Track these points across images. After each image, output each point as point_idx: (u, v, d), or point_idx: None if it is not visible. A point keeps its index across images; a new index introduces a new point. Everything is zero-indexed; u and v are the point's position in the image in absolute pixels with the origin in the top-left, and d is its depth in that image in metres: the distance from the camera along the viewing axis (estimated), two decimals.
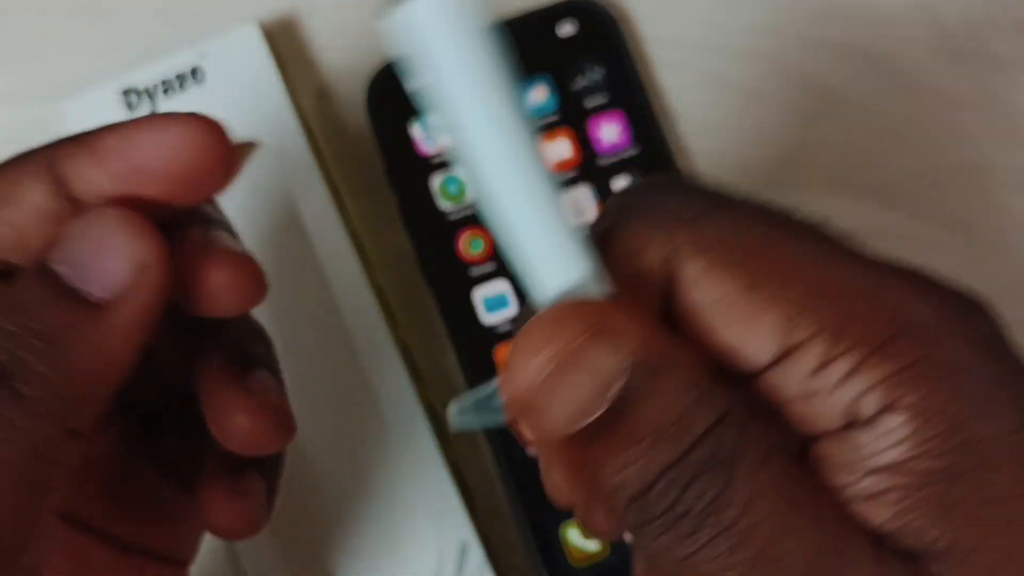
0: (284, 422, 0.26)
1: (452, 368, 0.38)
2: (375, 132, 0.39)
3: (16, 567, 0.21)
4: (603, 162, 0.39)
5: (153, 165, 0.23)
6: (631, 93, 0.40)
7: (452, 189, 0.39)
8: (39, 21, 0.41)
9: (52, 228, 0.23)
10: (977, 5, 0.41)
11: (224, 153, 0.23)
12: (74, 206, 0.23)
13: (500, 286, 0.38)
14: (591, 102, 0.40)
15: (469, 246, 0.38)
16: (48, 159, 0.23)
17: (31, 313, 0.21)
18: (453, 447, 0.37)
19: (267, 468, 0.28)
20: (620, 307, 0.20)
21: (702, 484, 0.19)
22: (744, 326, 0.20)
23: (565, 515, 0.37)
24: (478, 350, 0.38)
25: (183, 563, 0.29)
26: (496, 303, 0.38)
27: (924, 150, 0.41)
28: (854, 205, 0.40)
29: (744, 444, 0.19)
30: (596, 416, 0.19)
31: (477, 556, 0.35)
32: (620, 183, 0.39)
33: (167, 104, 0.38)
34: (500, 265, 0.38)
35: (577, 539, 0.37)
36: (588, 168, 0.39)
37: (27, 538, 0.21)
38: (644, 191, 0.22)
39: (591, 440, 0.19)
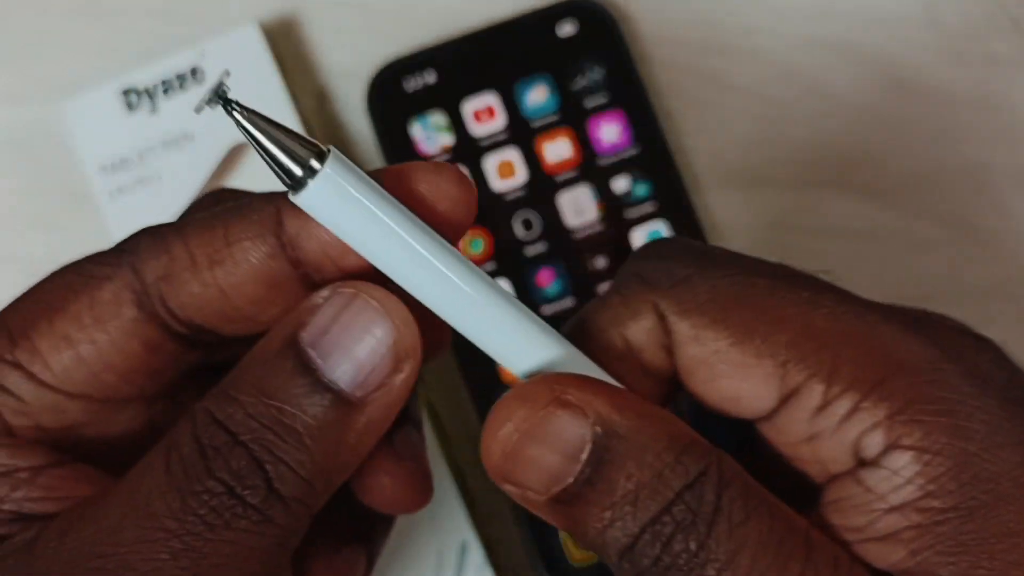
0: (427, 485, 0.25)
1: (452, 368, 0.38)
2: (375, 132, 0.39)
3: None
4: (603, 162, 0.39)
5: None
6: (631, 93, 0.40)
7: None
8: (39, 21, 0.41)
9: (263, 291, 0.21)
10: (977, 5, 0.41)
11: (473, 208, 0.22)
12: (295, 267, 0.21)
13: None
14: (591, 102, 0.40)
15: (469, 246, 0.38)
16: (274, 213, 0.21)
17: (283, 402, 0.20)
18: (453, 447, 0.37)
19: (376, 534, 0.27)
20: (582, 379, 0.21)
21: (683, 540, 0.19)
22: (740, 378, 0.21)
23: None
24: (478, 350, 0.37)
25: None
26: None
27: (924, 150, 0.41)
28: (854, 205, 0.40)
29: (724, 500, 0.19)
30: (572, 480, 0.20)
31: (477, 556, 0.35)
32: (620, 183, 0.39)
33: (167, 104, 0.38)
34: (500, 265, 0.38)
35: None
36: (588, 168, 0.39)
37: None
38: (627, 267, 0.23)
39: (573, 501, 0.20)
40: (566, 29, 0.40)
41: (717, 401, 0.22)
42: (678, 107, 0.41)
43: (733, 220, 0.40)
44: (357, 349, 0.20)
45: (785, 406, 0.21)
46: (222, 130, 0.39)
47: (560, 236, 0.39)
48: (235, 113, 0.19)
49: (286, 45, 0.41)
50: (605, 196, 0.39)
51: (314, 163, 0.19)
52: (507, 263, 0.38)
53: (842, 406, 0.20)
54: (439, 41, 0.40)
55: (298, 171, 0.19)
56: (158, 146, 0.38)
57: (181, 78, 0.38)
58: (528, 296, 0.38)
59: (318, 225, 0.21)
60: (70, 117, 0.39)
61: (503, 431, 0.20)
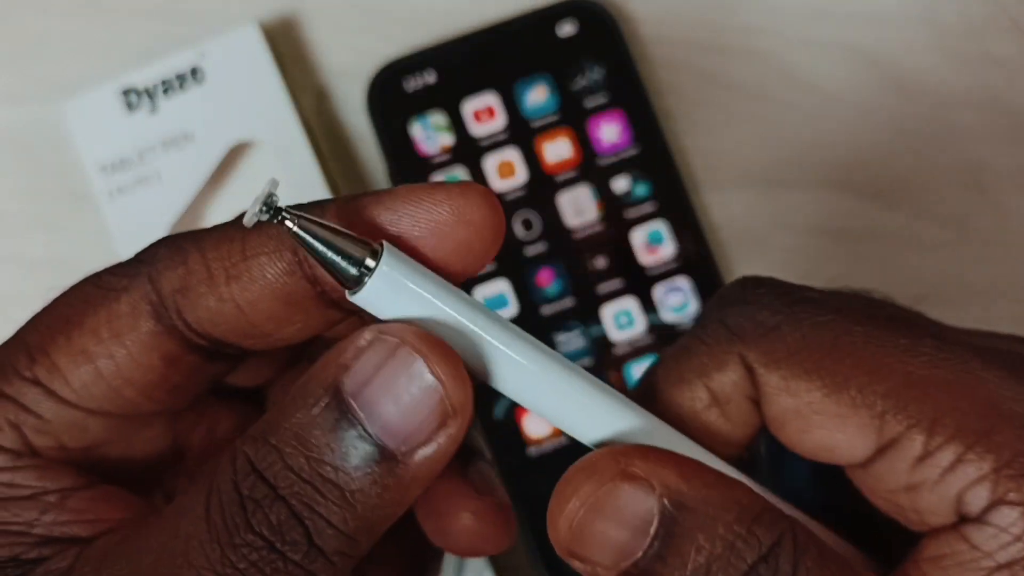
0: (510, 520, 0.24)
1: None
2: (375, 132, 0.39)
3: None
4: (603, 162, 0.39)
5: (423, 244, 0.20)
6: (631, 93, 0.40)
7: None
8: (39, 21, 0.41)
9: (280, 308, 0.21)
10: (977, 5, 0.41)
11: (501, 230, 0.21)
12: (312, 284, 0.21)
13: (500, 286, 0.38)
14: (591, 102, 0.40)
15: None
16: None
17: (323, 456, 0.19)
18: None
19: (429, 568, 0.26)
20: (647, 449, 0.20)
21: None
22: (835, 428, 0.21)
23: None
24: None
25: None
26: (496, 303, 0.38)
27: (924, 150, 0.41)
28: (854, 205, 0.40)
29: (801, 571, 0.19)
30: (640, 555, 0.19)
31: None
32: (620, 183, 0.39)
33: (167, 104, 0.38)
34: (500, 265, 0.38)
35: None
36: (588, 168, 0.39)
37: None
38: (711, 310, 0.22)
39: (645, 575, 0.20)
40: (566, 29, 0.40)
41: (810, 451, 0.21)
42: (678, 107, 0.41)
43: (733, 220, 0.40)
44: (401, 403, 0.19)
45: (882, 455, 0.21)
46: (222, 130, 0.39)
47: (560, 236, 0.39)
48: (287, 223, 0.19)
49: (286, 45, 0.41)
50: (605, 196, 0.39)
51: (369, 262, 0.19)
52: (507, 263, 0.38)
53: (944, 457, 0.20)
54: (439, 41, 0.40)
55: (354, 271, 0.19)
56: (158, 146, 0.38)
57: (181, 78, 0.38)
58: (528, 296, 0.38)
59: None
60: (70, 117, 0.38)
61: (569, 506, 0.20)
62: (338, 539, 0.19)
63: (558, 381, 0.20)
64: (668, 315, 0.38)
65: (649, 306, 0.38)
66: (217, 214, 0.39)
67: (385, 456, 0.19)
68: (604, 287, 0.38)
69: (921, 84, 0.41)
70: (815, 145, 0.41)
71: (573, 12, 0.40)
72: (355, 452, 0.19)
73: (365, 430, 0.19)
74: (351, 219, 0.20)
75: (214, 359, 0.22)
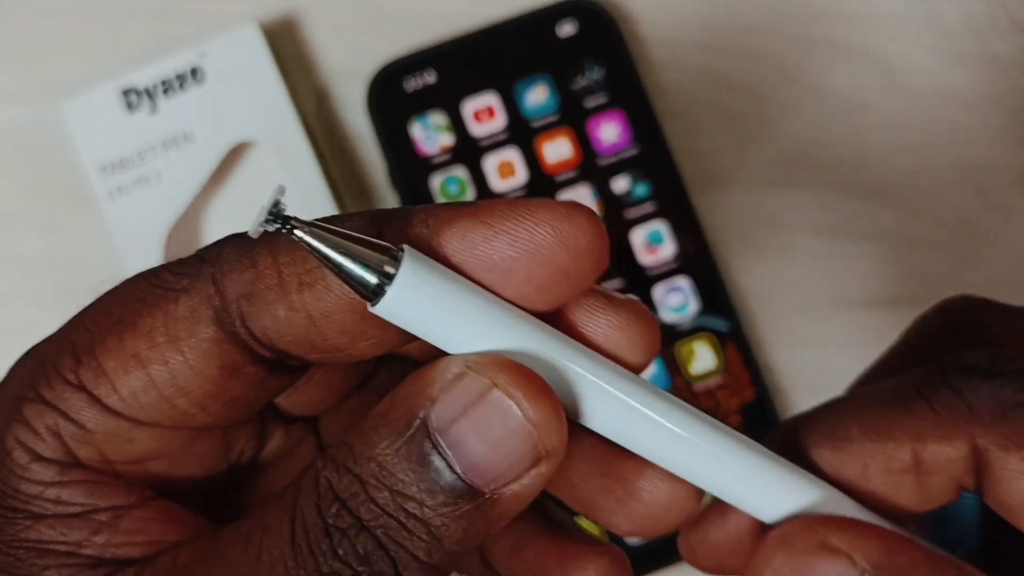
0: (626, 564, 0.23)
1: None
2: (375, 132, 0.39)
3: None
4: (603, 162, 0.39)
5: (517, 267, 0.19)
6: (631, 93, 0.40)
7: (452, 189, 0.39)
8: (39, 21, 0.41)
9: (357, 321, 0.19)
10: (977, 5, 0.41)
11: (604, 259, 0.19)
12: None
13: None
14: (591, 102, 0.40)
15: None
16: (376, 235, 0.19)
17: (408, 491, 0.18)
18: None
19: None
20: (847, 521, 0.19)
21: None
22: None
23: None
24: None
25: None
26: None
27: (924, 150, 0.41)
28: (854, 205, 0.40)
29: None
30: None
31: None
32: (620, 183, 0.39)
33: (167, 104, 0.38)
34: None
35: None
36: (588, 168, 0.39)
37: None
38: (946, 371, 0.21)
39: None
40: (566, 29, 0.40)
41: None
42: (678, 107, 0.41)
43: (733, 220, 0.40)
44: (491, 443, 0.18)
45: None
46: (222, 130, 0.39)
47: None
48: (297, 232, 0.18)
49: (286, 45, 0.41)
50: (605, 196, 0.39)
51: (388, 268, 0.18)
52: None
53: None
54: (439, 41, 0.40)
55: (373, 280, 0.18)
56: (158, 146, 0.38)
57: (181, 78, 0.38)
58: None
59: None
60: (70, 117, 0.38)
61: (767, 573, 0.19)
62: (424, 570, 0.18)
63: (674, 427, 0.19)
64: (668, 315, 0.38)
65: (649, 306, 0.38)
66: (217, 214, 0.39)
67: (472, 493, 0.18)
68: (604, 287, 0.38)
69: (921, 84, 0.41)
70: (815, 145, 0.41)
71: (573, 12, 0.40)
72: (441, 489, 0.18)
73: (452, 467, 0.18)
74: (436, 230, 0.19)
75: (276, 372, 0.20)
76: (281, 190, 0.18)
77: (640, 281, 0.38)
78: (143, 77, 0.38)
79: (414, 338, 0.19)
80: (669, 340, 0.38)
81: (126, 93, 0.38)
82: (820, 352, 0.39)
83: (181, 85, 0.38)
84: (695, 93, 0.41)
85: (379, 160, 0.39)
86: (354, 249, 0.18)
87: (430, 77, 0.39)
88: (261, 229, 0.18)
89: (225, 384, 0.19)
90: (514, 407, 0.18)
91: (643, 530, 0.22)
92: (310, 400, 0.23)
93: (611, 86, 0.40)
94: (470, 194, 0.39)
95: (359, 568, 0.18)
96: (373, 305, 0.18)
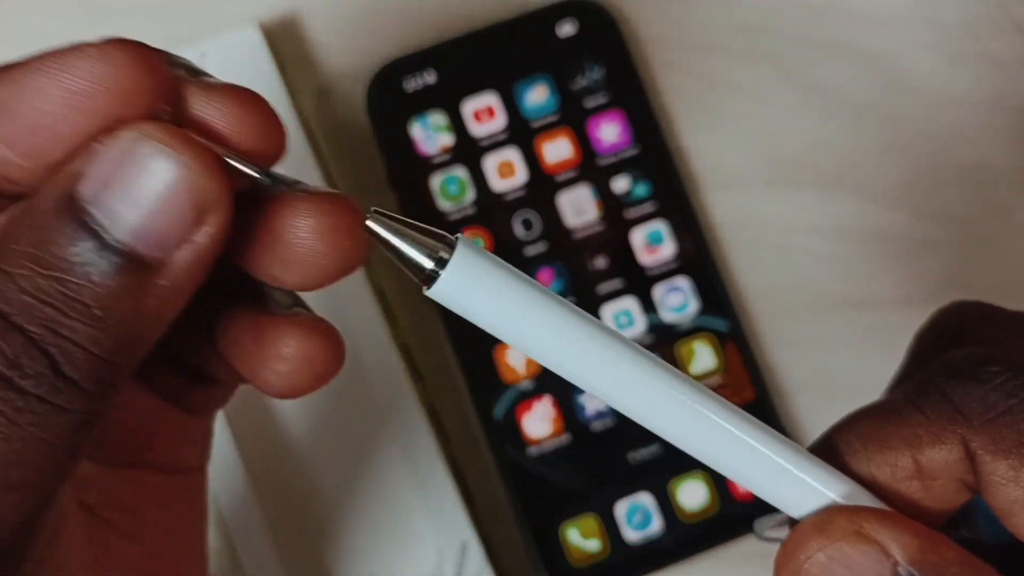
0: (337, 339, 0.22)
1: (452, 368, 0.38)
2: (375, 132, 0.39)
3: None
4: (603, 162, 0.39)
5: (60, 124, 0.17)
6: (631, 93, 0.40)
7: (452, 189, 0.39)
8: (39, 21, 0.41)
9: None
10: (977, 5, 0.41)
11: (160, 90, 0.18)
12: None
13: None
14: (591, 102, 0.40)
15: None
16: None
17: (64, 272, 0.17)
18: (453, 447, 0.37)
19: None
20: (884, 512, 0.19)
21: None
22: None
23: (565, 515, 0.37)
24: (478, 350, 0.38)
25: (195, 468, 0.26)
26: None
27: (924, 150, 0.41)
28: (854, 205, 0.40)
29: None
30: None
31: (477, 556, 0.35)
32: (620, 183, 0.39)
33: None
34: None
35: (577, 539, 0.37)
36: (588, 168, 0.39)
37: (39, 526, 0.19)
38: (935, 378, 0.21)
39: None
40: (566, 29, 0.40)
41: None
42: (678, 107, 0.41)
43: (732, 220, 0.40)
44: (146, 203, 0.17)
45: None
46: None
47: (560, 236, 0.39)
48: (367, 221, 0.19)
49: (286, 45, 0.41)
50: (605, 196, 0.39)
51: (443, 254, 0.19)
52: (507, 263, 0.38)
53: None
54: (439, 41, 0.40)
55: (429, 264, 0.19)
56: None
57: None
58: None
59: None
60: None
61: (793, 562, 0.19)
62: (91, 363, 0.17)
63: (718, 421, 0.20)
64: (668, 315, 0.38)
65: (649, 306, 0.38)
66: None
67: (136, 263, 0.17)
68: (604, 287, 0.38)
69: (921, 84, 0.41)
70: (815, 145, 0.41)
71: (573, 12, 0.40)
72: (100, 263, 0.17)
73: (109, 237, 0.17)
74: None
75: None
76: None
77: (640, 281, 0.38)
78: None
79: (5, 203, 0.19)
80: (669, 340, 0.38)
81: None
82: (820, 352, 0.39)
83: None
84: (695, 93, 0.41)
85: (379, 160, 0.39)
86: (413, 235, 0.19)
87: (430, 77, 0.39)
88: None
89: None
90: (164, 157, 0.17)
91: (290, 389, 0.21)
92: None
93: (611, 86, 0.40)
94: (470, 194, 0.39)
95: (8, 373, 0.17)
96: (427, 289, 0.19)
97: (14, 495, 0.17)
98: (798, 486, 0.20)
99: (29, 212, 0.17)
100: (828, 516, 0.19)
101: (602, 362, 0.19)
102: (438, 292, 0.19)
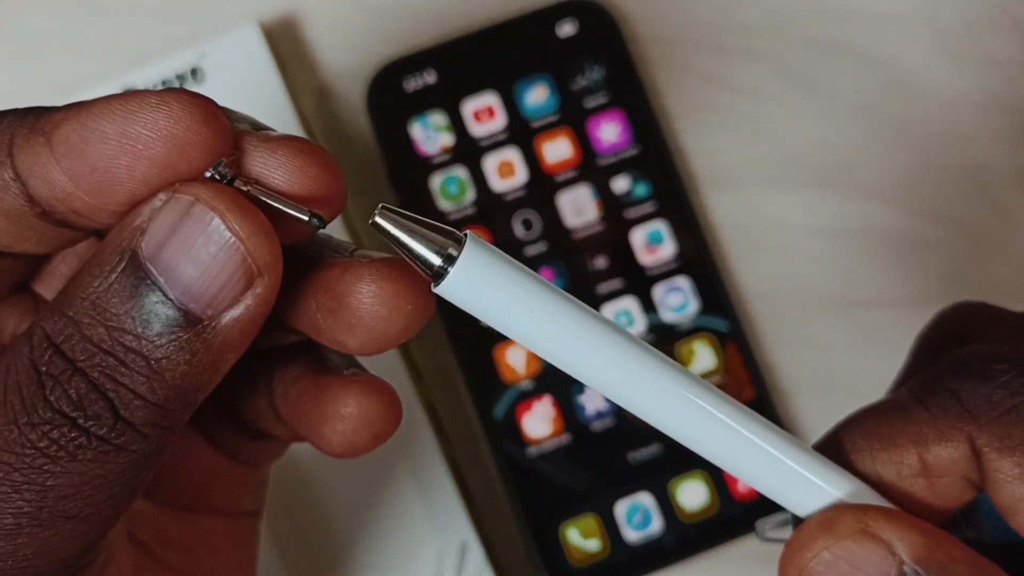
0: (394, 398, 0.23)
1: (452, 368, 0.38)
2: (375, 132, 0.39)
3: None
4: (603, 162, 0.39)
5: (118, 167, 0.18)
6: (631, 93, 0.40)
7: (452, 189, 0.39)
8: (39, 21, 0.41)
9: (4, 223, 0.19)
10: (977, 5, 0.41)
11: (216, 143, 0.19)
12: (31, 204, 0.19)
13: None
14: (591, 102, 0.40)
15: None
16: (6, 145, 0.19)
17: (123, 324, 0.18)
18: (453, 447, 0.37)
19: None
20: (891, 511, 0.19)
21: None
22: None
23: (565, 515, 0.37)
24: (478, 350, 0.38)
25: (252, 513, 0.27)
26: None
27: (924, 150, 0.41)
28: (854, 205, 0.40)
29: None
30: None
31: (477, 556, 0.35)
32: (620, 183, 0.39)
33: None
34: None
35: (577, 539, 0.37)
36: (588, 168, 0.39)
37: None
38: (942, 375, 0.21)
39: None
40: (566, 29, 0.40)
41: None
42: (678, 107, 0.41)
43: (732, 220, 0.40)
44: (201, 264, 0.18)
45: None
46: None
47: (560, 236, 0.39)
48: (376, 217, 0.19)
49: (286, 45, 0.41)
50: (605, 196, 0.39)
51: (452, 251, 0.19)
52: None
53: None
54: (439, 41, 0.40)
55: (437, 261, 0.19)
56: None
57: (181, 78, 0.38)
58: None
59: (40, 161, 0.18)
60: None
61: (799, 559, 0.19)
62: (147, 409, 0.18)
63: (725, 420, 0.20)
64: (668, 315, 0.38)
65: (649, 306, 0.38)
66: None
67: (190, 321, 0.18)
68: (604, 287, 0.38)
69: (921, 84, 0.41)
70: (815, 145, 0.41)
71: (573, 12, 0.40)
72: (157, 318, 0.18)
73: (166, 295, 0.18)
74: (50, 136, 0.18)
75: None
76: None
77: (640, 281, 0.38)
78: (143, 77, 0.38)
79: (80, 240, 0.20)
80: (669, 340, 0.38)
81: None
82: (820, 352, 0.39)
83: (181, 85, 0.38)
84: (695, 93, 0.41)
85: (379, 160, 0.39)
86: (423, 232, 0.19)
87: (430, 77, 0.39)
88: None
89: None
90: (219, 222, 0.18)
91: (350, 449, 0.23)
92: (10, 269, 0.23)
93: (611, 86, 0.40)
94: (470, 194, 0.39)
95: (73, 414, 0.18)
96: (436, 285, 0.19)
97: (71, 525, 0.19)
98: (803, 484, 0.20)
99: (95, 261, 0.19)
100: (834, 514, 0.19)
101: (609, 359, 0.19)
102: (447, 289, 0.19)
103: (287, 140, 0.20)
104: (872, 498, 0.20)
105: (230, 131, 0.19)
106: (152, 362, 0.18)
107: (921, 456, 0.20)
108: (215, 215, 0.18)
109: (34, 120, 0.19)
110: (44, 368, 0.18)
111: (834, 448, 0.21)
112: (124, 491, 0.19)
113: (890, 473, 0.20)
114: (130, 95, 0.18)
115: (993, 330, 0.22)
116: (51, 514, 0.18)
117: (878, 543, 0.19)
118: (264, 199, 0.19)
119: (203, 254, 0.18)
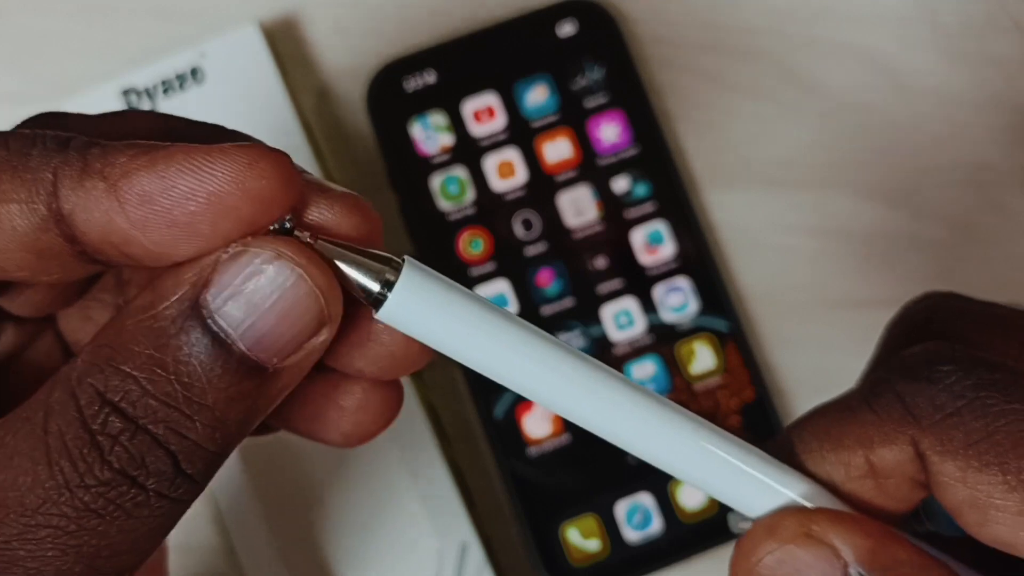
0: (398, 387, 0.23)
1: (452, 368, 0.38)
2: (375, 132, 0.39)
3: None
4: (603, 162, 0.39)
5: (201, 223, 0.18)
6: (631, 93, 0.40)
7: (452, 189, 0.39)
8: (39, 21, 0.41)
9: (33, 259, 0.19)
10: (977, 5, 0.41)
11: (294, 200, 0.19)
12: (70, 243, 0.19)
13: (500, 286, 0.38)
14: (591, 102, 0.40)
15: (469, 246, 0.38)
16: (51, 182, 0.18)
17: (190, 378, 0.18)
18: (453, 447, 0.37)
19: None
20: (834, 513, 0.19)
21: None
22: (1018, 527, 0.19)
23: (565, 515, 0.37)
24: None
25: None
26: (496, 303, 0.38)
27: (924, 150, 0.41)
28: (854, 205, 0.40)
29: None
30: None
31: (477, 556, 0.35)
32: (620, 183, 0.39)
33: (167, 104, 0.38)
34: (499, 265, 0.38)
35: (577, 539, 0.37)
36: (588, 168, 0.39)
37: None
38: (888, 375, 0.20)
39: None
40: (566, 29, 0.40)
41: (990, 541, 0.20)
42: (678, 107, 0.41)
43: (732, 220, 0.40)
44: (274, 318, 0.18)
45: None
46: None
47: (560, 236, 0.39)
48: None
49: (286, 45, 0.41)
50: (605, 196, 0.39)
51: (390, 276, 0.19)
52: (507, 263, 0.38)
53: None
54: (439, 41, 0.40)
55: (376, 287, 0.19)
56: None
57: (181, 78, 0.38)
58: (528, 296, 0.38)
59: (99, 207, 0.18)
60: None
61: (745, 564, 0.19)
62: (207, 459, 0.18)
63: (660, 421, 0.20)
64: (668, 315, 0.38)
65: (649, 306, 0.38)
66: None
67: (256, 369, 0.18)
68: (604, 287, 0.38)
69: (921, 84, 0.41)
70: (815, 145, 0.41)
71: (573, 12, 0.40)
72: (224, 368, 0.18)
73: (235, 347, 0.18)
74: (115, 184, 0.18)
75: None
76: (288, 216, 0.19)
77: (640, 281, 0.38)
78: (143, 77, 0.38)
79: (102, 273, 0.20)
80: (669, 340, 0.38)
81: (126, 93, 0.38)
82: (820, 352, 0.39)
83: (181, 85, 0.38)
84: (695, 93, 0.41)
85: (379, 160, 0.39)
86: (359, 260, 0.19)
87: (430, 77, 0.39)
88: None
89: None
90: (302, 276, 0.18)
91: (354, 435, 0.23)
92: (35, 302, 0.22)
93: (611, 86, 0.40)
94: (470, 194, 0.39)
95: (133, 473, 0.18)
96: (376, 311, 0.19)
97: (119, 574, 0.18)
98: (752, 486, 0.20)
99: (149, 312, 0.18)
100: (779, 518, 0.19)
101: (550, 372, 0.19)
102: (387, 314, 0.19)
103: (344, 196, 0.20)
104: (824, 498, 0.20)
105: (305, 188, 0.19)
106: (218, 413, 0.18)
107: (868, 458, 0.20)
108: (299, 270, 0.18)
109: (81, 158, 0.18)
110: (99, 427, 0.18)
111: (786, 448, 0.21)
112: (165, 533, 0.19)
113: (839, 474, 0.20)
114: (213, 150, 0.18)
115: (957, 322, 0.22)
116: (101, 572, 0.18)
117: (822, 547, 0.19)
118: (331, 250, 0.19)
119: (278, 306, 0.18)
